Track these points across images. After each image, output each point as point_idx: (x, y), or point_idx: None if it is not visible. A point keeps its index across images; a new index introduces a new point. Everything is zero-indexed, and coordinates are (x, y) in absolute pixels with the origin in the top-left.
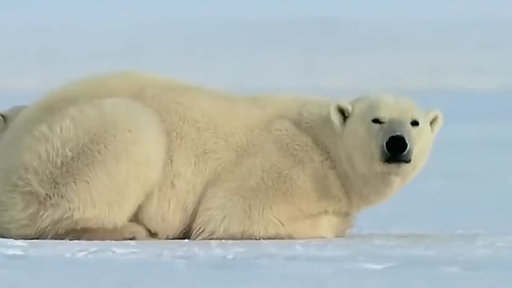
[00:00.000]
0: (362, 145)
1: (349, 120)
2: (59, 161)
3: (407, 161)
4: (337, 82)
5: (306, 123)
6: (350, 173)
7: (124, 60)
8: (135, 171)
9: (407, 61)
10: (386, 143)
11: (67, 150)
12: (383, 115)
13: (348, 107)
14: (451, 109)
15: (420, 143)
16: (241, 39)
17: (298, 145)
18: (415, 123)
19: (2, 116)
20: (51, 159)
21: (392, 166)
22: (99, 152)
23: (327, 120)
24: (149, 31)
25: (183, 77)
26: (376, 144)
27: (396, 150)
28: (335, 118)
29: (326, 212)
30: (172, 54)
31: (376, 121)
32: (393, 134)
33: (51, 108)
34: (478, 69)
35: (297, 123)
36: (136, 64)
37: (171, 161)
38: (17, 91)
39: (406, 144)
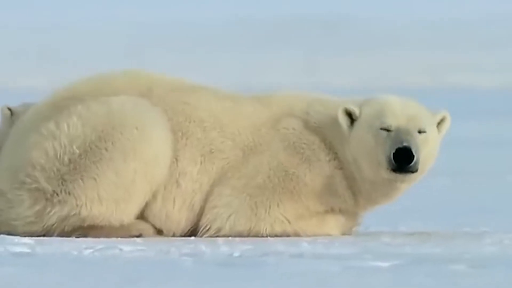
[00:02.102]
0: (369, 152)
1: (356, 124)
2: (66, 158)
3: (414, 171)
4: (340, 80)
5: (314, 122)
6: (357, 175)
7: (125, 60)
8: (142, 168)
9: (409, 60)
10: (393, 154)
11: (74, 147)
12: (390, 123)
13: (356, 111)
14: (456, 107)
15: (427, 149)
16: (243, 38)
17: (305, 143)
18: (422, 130)
19: (10, 110)
20: (58, 156)
21: (399, 176)
22: (106, 150)
23: (334, 121)
24: (150, 31)
25: (185, 76)
26: (383, 153)
27: (403, 161)
28: (343, 121)
29: (332, 210)
30: (173, 54)
31: (383, 128)
32: (400, 146)
33: (58, 106)
34: (480, 68)
35: (305, 122)
36: (136, 64)
37: (177, 160)
38: (18, 91)
39: (413, 156)
